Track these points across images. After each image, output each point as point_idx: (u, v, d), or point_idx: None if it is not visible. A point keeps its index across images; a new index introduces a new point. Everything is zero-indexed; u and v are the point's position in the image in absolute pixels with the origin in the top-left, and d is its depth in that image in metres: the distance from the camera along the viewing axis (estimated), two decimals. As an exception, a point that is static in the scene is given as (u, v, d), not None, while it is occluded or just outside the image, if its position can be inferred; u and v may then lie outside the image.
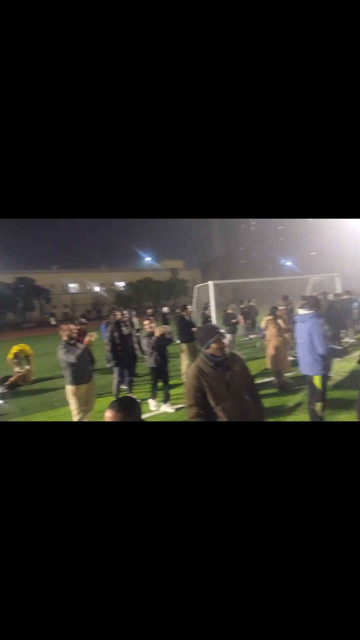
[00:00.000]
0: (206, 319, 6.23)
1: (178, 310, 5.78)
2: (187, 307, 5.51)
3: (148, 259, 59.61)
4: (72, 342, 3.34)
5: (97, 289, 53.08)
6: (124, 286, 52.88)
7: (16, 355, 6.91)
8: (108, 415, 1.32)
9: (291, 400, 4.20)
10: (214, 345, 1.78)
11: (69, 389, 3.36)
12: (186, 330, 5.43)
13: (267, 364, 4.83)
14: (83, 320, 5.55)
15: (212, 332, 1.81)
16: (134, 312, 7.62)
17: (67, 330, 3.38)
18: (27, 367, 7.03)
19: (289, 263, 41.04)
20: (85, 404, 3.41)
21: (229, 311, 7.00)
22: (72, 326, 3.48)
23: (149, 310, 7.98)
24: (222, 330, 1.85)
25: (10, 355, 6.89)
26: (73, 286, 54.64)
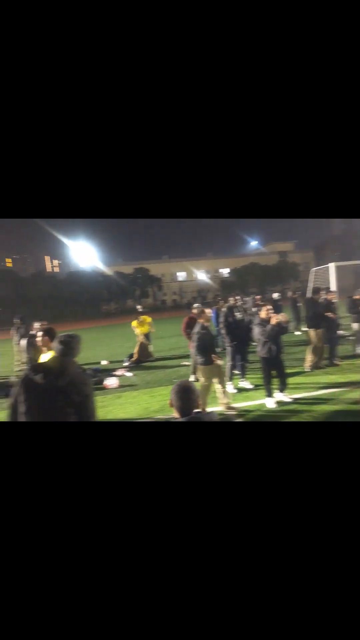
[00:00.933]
0: (329, 304, 5.61)
1: (291, 294, 5.43)
2: (321, 291, 5.18)
3: (254, 243, 57.44)
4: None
5: (202, 276, 54.88)
6: (228, 273, 52.84)
7: (137, 318, 7.86)
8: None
9: None
10: None
11: (200, 368, 3.83)
12: (316, 315, 5.14)
13: None
14: (197, 305, 5.89)
15: None
16: (247, 298, 7.56)
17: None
18: (147, 341, 7.91)
19: None
20: (211, 381, 3.83)
21: (356, 297, 6.08)
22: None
23: (258, 297, 7.77)
24: None
25: (134, 322, 7.89)
26: (181, 274, 58.20)
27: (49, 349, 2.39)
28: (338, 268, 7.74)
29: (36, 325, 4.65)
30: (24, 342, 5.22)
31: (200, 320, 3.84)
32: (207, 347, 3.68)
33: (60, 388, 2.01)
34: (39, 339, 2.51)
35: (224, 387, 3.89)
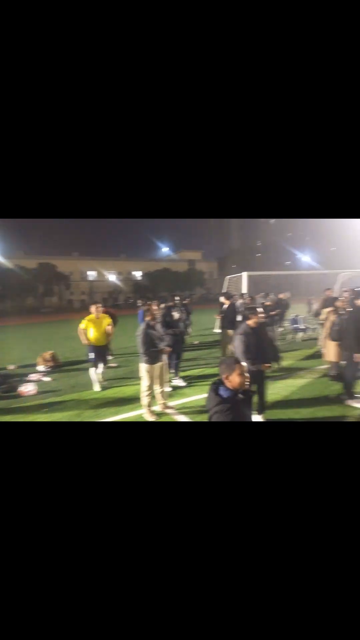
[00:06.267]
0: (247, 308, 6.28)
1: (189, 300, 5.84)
2: (234, 295, 5.63)
3: (166, 249, 59.57)
4: (153, 323, 3.74)
5: (114, 277, 53.48)
6: (141, 276, 53.14)
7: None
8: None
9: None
10: None
11: (143, 367, 3.68)
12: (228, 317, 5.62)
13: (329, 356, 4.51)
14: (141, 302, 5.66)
15: None
16: (187, 299, 7.71)
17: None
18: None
19: (307, 258, 40.17)
20: (155, 381, 3.79)
21: (268, 303, 7.01)
22: (155, 307, 3.86)
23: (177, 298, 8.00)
24: None
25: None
26: (91, 274, 55.26)
27: None
28: (250, 277, 8.77)
29: None
30: None
31: (147, 318, 3.75)
32: (152, 345, 3.61)
33: None
34: None
35: (162, 387, 3.90)
